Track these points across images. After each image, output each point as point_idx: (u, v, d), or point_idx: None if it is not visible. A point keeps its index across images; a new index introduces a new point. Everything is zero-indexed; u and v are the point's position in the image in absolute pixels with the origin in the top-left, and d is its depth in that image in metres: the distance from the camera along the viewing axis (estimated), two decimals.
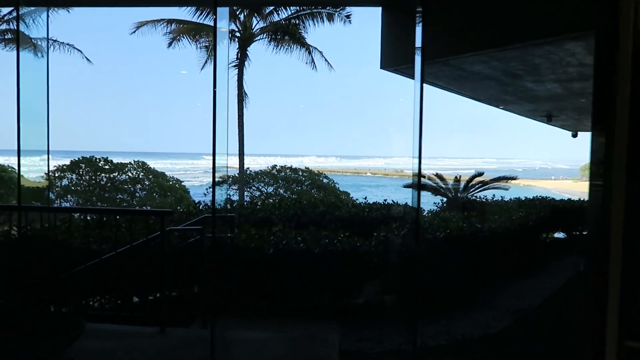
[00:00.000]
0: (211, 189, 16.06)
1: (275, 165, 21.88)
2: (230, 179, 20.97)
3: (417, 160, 3.47)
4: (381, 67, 6.46)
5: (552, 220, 11.70)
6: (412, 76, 7.21)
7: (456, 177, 10.20)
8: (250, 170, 21.54)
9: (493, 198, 12.27)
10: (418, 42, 3.92)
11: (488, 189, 10.53)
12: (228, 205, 8.99)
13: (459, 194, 10.72)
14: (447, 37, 5.33)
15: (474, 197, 11.34)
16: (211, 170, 4.28)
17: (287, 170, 21.44)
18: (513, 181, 12.23)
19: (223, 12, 4.99)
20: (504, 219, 9.22)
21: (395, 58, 6.25)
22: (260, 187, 21.22)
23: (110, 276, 5.47)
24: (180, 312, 5.61)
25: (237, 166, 21.01)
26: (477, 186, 10.48)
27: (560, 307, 6.86)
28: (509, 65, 5.97)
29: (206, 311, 5.42)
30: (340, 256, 6.16)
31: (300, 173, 21.41)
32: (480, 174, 10.34)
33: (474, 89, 7.75)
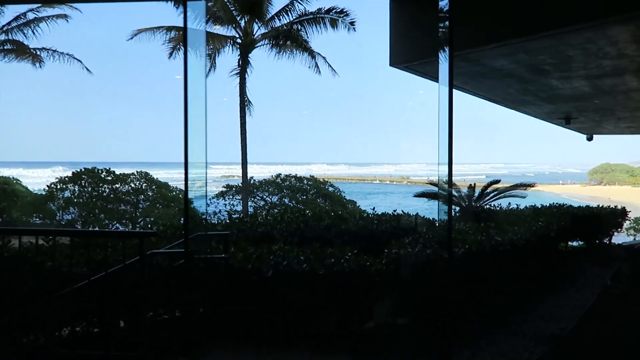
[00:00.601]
0: (215, 199, 15.15)
1: (280, 174, 21.19)
2: (234, 189, 20.30)
3: (446, 168, 2.76)
4: (391, 64, 5.72)
5: (572, 228, 10.90)
6: (425, 74, 6.53)
7: (471, 185, 9.42)
8: (255, 180, 20.85)
9: (509, 206, 11.48)
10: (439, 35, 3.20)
11: (505, 197, 9.75)
12: (226, 219, 8.25)
13: (472, 203, 9.93)
14: (467, 27, 4.59)
15: (487, 206, 10.56)
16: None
17: (292, 179, 20.73)
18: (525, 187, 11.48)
19: (197, 6, 4.25)
20: (524, 230, 8.43)
21: (406, 53, 5.53)
22: (265, 196, 20.53)
23: (84, 304, 4.74)
24: (160, 344, 4.87)
25: (241, 175, 20.30)
26: (492, 194, 9.70)
27: (598, 331, 6.06)
28: (537, 59, 5.22)
29: (191, 342, 4.68)
30: (348, 278, 5.40)
31: (305, 182, 20.69)
32: (496, 181, 9.57)
33: (492, 88, 7.00)
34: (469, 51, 4.93)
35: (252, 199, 20.52)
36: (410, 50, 5.47)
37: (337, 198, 20.22)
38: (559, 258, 9.85)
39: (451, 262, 5.79)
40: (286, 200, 19.94)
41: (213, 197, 20.61)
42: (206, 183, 5.07)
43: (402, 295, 5.84)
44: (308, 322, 5.65)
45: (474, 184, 9.52)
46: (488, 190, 9.55)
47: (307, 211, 17.12)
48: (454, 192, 10.26)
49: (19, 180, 28.37)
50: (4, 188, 24.45)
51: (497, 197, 9.64)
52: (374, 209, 10.12)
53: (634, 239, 22.19)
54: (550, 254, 9.00)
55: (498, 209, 11.17)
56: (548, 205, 12.07)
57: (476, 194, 9.72)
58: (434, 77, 5.32)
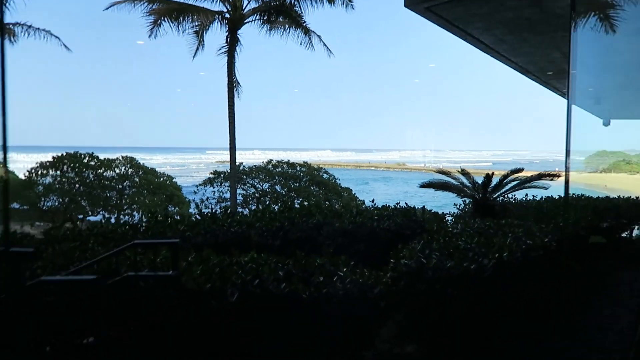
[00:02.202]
0: (202, 186, 13.32)
1: (271, 160, 19.58)
2: (222, 176, 18.69)
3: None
4: (405, 5, 4.12)
5: (597, 223, 9.40)
6: (451, 22, 4.92)
7: (488, 174, 7.86)
8: (244, 166, 19.24)
9: (526, 197, 9.93)
10: None
11: (527, 187, 8.21)
12: (196, 215, 6.66)
13: (487, 194, 8.38)
14: None
15: (502, 198, 9.00)
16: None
17: (284, 165, 19.14)
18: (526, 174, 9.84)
19: None
20: (552, 228, 6.91)
21: None
22: (255, 183, 18.94)
23: None
24: None
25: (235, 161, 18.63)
26: (513, 184, 8.15)
27: None
28: None
29: None
30: (342, 304, 3.86)
31: (298, 168, 19.09)
32: (518, 170, 8.03)
33: (531, 52, 5.43)
34: None
35: (242, 186, 18.94)
36: None
37: (332, 186, 18.65)
38: (590, 259, 8.32)
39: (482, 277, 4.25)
40: (278, 188, 18.37)
41: (200, 184, 19.02)
42: None
43: (415, 325, 4.31)
44: None
45: (492, 172, 7.97)
46: (507, 180, 8.00)
47: (296, 203, 15.57)
48: (466, 182, 8.71)
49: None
50: None
51: (519, 187, 8.10)
52: (373, 200, 8.57)
53: None
54: (584, 256, 7.48)
55: (513, 201, 9.63)
56: (569, 196, 10.56)
57: (492, 184, 8.16)
58: (461, 27, 3.71)
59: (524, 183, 7.94)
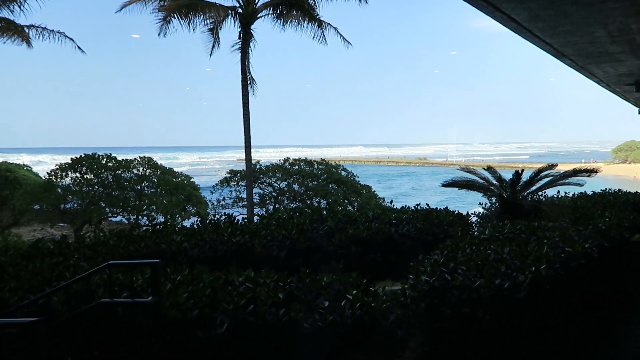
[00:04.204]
0: (219, 185, 12.64)
1: (288, 158, 18.98)
2: (239, 175, 18.19)
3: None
4: None
5: (638, 221, 8.49)
6: None
7: (517, 171, 7.08)
8: (261, 164, 18.69)
9: (558, 194, 9.06)
10: None
11: (560, 184, 7.40)
12: (196, 223, 6.09)
13: (516, 193, 7.60)
14: None
15: (533, 196, 8.18)
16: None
17: (301, 163, 18.51)
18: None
19: None
20: (591, 231, 6.12)
21: None
22: (272, 182, 18.37)
23: None
24: None
25: (252, 159, 18.06)
26: (545, 181, 7.34)
27: None
28: None
29: None
30: (350, 334, 3.21)
31: (316, 165, 18.44)
32: (552, 165, 7.21)
33: (571, 31, 4.66)
34: None
35: (260, 185, 18.40)
36: None
37: (351, 183, 17.92)
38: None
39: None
40: (295, 187, 17.76)
41: (217, 184, 18.57)
42: None
43: (440, 356, 3.63)
44: None
45: (522, 168, 7.20)
46: (541, 176, 7.20)
47: (314, 202, 14.92)
48: (492, 179, 7.94)
49: (29, 167, 26.84)
50: (5, 176, 22.83)
51: (551, 185, 7.29)
52: (392, 202, 7.88)
53: None
54: (629, 264, 6.65)
55: (543, 198, 8.78)
56: (601, 192, 9.64)
57: (523, 180, 7.37)
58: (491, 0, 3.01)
59: (558, 180, 7.13)
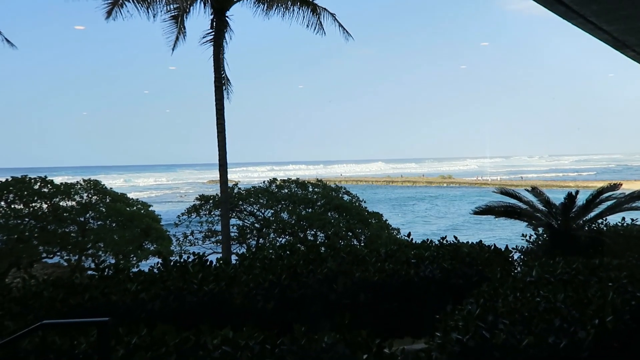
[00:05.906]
0: (186, 215, 12.72)
1: (275, 179, 19.01)
2: (211, 202, 18.16)
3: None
4: None
5: None
6: None
7: (570, 194, 7.11)
8: (239, 188, 18.71)
9: (623, 221, 9.07)
10: None
11: (629, 209, 7.43)
12: (159, 264, 6.05)
13: (569, 221, 7.61)
14: None
15: (590, 225, 8.19)
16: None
17: (292, 185, 18.54)
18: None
19: None
20: None
21: None
22: (255, 210, 18.35)
23: None
24: None
25: (234, 179, 18.06)
26: (606, 206, 7.37)
27: None
28: None
29: None
30: None
31: (311, 188, 18.46)
32: (616, 185, 7.23)
33: (634, 15, 4.69)
34: None
35: (239, 214, 18.37)
36: None
37: (356, 210, 17.92)
38: None
39: None
40: (284, 216, 17.73)
41: (183, 213, 18.51)
42: None
43: None
44: None
45: (577, 189, 7.20)
46: (601, 198, 7.22)
47: (308, 235, 14.88)
48: (537, 203, 7.96)
49: None
50: None
51: (614, 210, 7.32)
52: (409, 235, 7.87)
53: None
54: None
55: (604, 227, 8.80)
56: None
57: (577, 205, 7.39)
58: None
59: (623, 204, 7.17)
